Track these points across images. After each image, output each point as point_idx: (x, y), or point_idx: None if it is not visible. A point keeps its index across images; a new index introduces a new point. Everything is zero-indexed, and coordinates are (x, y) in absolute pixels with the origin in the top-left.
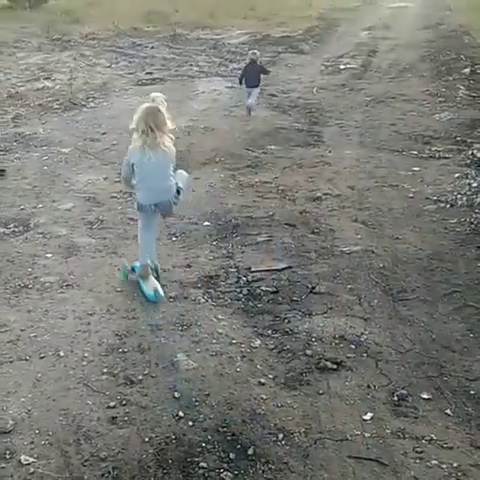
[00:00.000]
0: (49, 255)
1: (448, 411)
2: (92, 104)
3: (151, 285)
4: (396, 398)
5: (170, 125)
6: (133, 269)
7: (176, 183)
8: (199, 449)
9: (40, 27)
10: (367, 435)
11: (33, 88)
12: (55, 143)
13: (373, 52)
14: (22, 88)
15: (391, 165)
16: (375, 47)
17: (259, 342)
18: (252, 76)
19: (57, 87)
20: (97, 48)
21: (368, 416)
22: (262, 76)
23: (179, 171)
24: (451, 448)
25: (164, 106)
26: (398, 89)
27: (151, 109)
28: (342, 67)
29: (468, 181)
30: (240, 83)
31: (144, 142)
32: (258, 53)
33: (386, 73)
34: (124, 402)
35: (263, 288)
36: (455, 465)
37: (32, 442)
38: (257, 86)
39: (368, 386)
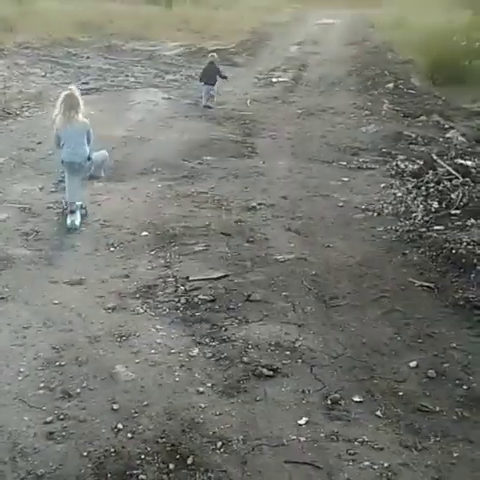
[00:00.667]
0: None
1: (378, 413)
2: (27, 113)
3: (73, 218)
4: (329, 402)
5: (83, 106)
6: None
7: (90, 152)
8: (138, 461)
9: None
10: (302, 439)
11: None
12: None
13: (303, 66)
14: None
15: (322, 175)
16: (305, 61)
17: (197, 351)
18: (209, 75)
19: None
20: (31, 57)
21: (303, 420)
22: (218, 78)
23: (102, 150)
24: (382, 449)
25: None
26: (327, 102)
27: (68, 94)
28: (274, 80)
29: (393, 191)
30: (200, 81)
31: (64, 117)
32: (216, 56)
33: (316, 87)
34: (61, 416)
35: (201, 297)
36: (386, 465)
37: None
38: (213, 85)
39: (303, 391)
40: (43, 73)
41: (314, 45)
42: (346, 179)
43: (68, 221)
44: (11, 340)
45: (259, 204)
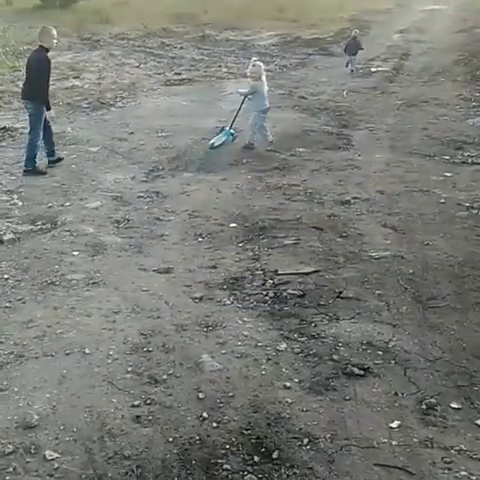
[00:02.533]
0: (76, 253)
1: (478, 422)
2: (120, 104)
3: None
4: (424, 407)
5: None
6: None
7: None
8: (223, 451)
9: (70, 26)
10: (394, 443)
11: (62, 87)
12: (83, 142)
13: (406, 55)
14: (52, 87)
15: (422, 170)
16: (408, 50)
17: (285, 345)
18: (352, 48)
19: (86, 86)
20: (126, 48)
21: (395, 424)
22: (359, 51)
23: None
24: None
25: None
26: (431, 93)
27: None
28: (373, 70)
29: None
30: (345, 51)
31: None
32: (358, 31)
33: (419, 76)
34: (148, 401)
35: (289, 291)
36: None
37: (57, 438)
38: (355, 55)
39: (396, 393)
40: (137, 64)
41: (418, 33)
42: (449, 174)
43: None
44: (101, 324)
45: (353, 198)
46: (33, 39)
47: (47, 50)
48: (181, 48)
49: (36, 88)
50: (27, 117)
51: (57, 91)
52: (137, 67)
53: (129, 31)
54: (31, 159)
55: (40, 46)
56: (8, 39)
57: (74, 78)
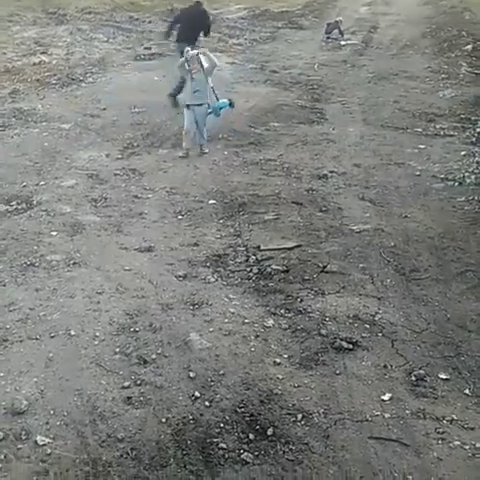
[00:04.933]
0: (54, 233)
1: (467, 391)
2: (90, 79)
3: None
4: (414, 378)
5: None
6: None
7: None
8: (218, 430)
9: (35, 1)
10: (387, 416)
11: (30, 63)
12: (55, 119)
13: (374, 28)
14: (18, 63)
15: (396, 143)
16: (375, 23)
17: (272, 321)
18: (331, 29)
19: (54, 62)
20: (94, 22)
21: (387, 396)
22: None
23: None
24: (472, 429)
25: None
26: (400, 66)
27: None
28: (343, 43)
29: (476, 159)
30: (325, 32)
31: None
32: (342, 19)
33: (387, 49)
34: (138, 382)
35: (273, 267)
36: (478, 445)
37: (47, 422)
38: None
39: (385, 366)
40: (106, 38)
41: (385, 5)
42: (422, 147)
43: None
44: (85, 305)
45: (330, 172)
46: None
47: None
48: (149, 22)
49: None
50: None
51: (25, 67)
52: (106, 42)
53: (96, 5)
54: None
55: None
56: None
57: (41, 53)
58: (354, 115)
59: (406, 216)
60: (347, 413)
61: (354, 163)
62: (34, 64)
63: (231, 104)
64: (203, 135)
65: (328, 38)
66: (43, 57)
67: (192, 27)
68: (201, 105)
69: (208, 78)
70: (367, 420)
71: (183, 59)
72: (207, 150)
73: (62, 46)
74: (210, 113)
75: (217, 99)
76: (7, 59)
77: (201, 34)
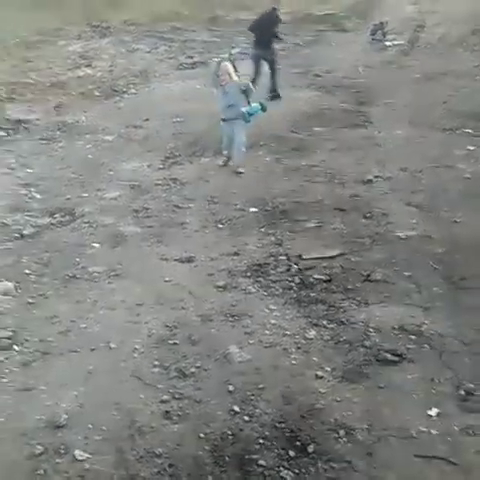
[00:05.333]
0: (96, 244)
1: None
2: (133, 90)
3: None
4: (462, 392)
5: None
6: None
7: None
8: (257, 446)
9: (80, 15)
10: (434, 432)
11: (74, 76)
12: (98, 131)
13: (420, 27)
14: (64, 76)
15: (444, 144)
16: (422, 22)
17: (314, 333)
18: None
19: (98, 74)
20: (136, 34)
21: (434, 412)
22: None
23: None
24: None
25: None
26: (448, 65)
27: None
28: (388, 44)
29: None
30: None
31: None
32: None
33: (435, 48)
34: (177, 396)
35: (315, 276)
36: None
37: (86, 437)
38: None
39: (432, 379)
40: (148, 49)
41: (432, 3)
42: (472, 148)
43: None
44: (125, 317)
45: (375, 177)
46: (45, 29)
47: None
48: (192, 31)
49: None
50: None
51: (69, 80)
52: (148, 53)
53: (139, 16)
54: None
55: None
56: (19, 30)
57: (86, 67)
58: (400, 117)
59: (455, 221)
60: (392, 429)
61: (400, 167)
62: (78, 77)
63: (263, 108)
64: (241, 149)
65: (373, 40)
66: (87, 70)
67: (265, 33)
68: (237, 119)
69: (244, 87)
70: (413, 437)
71: (214, 71)
72: (243, 171)
73: (106, 59)
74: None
75: (249, 104)
76: (53, 73)
77: (273, 39)
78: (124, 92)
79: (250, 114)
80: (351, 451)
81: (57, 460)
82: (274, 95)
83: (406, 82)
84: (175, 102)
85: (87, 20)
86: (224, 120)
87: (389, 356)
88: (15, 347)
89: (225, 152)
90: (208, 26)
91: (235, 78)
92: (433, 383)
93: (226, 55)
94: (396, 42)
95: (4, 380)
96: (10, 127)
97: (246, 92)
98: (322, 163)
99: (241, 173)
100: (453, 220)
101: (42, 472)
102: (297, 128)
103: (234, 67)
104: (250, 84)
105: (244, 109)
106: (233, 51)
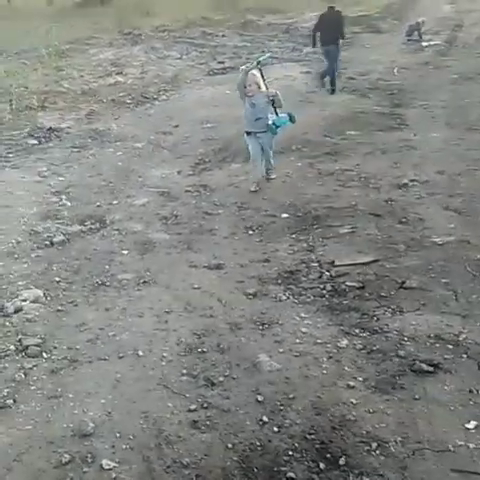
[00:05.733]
0: (125, 252)
1: None
2: (164, 97)
3: None
4: None
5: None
6: None
7: None
8: (286, 457)
9: (111, 23)
10: (472, 446)
11: (106, 84)
12: (128, 138)
13: (458, 26)
14: (95, 84)
15: None
16: (460, 21)
17: (346, 342)
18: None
19: (129, 81)
20: (167, 40)
21: (472, 425)
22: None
23: None
24: None
25: None
26: None
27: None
28: (425, 44)
29: None
30: (406, 35)
31: None
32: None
33: (473, 48)
34: (205, 405)
35: (348, 283)
36: None
37: (113, 446)
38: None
39: (470, 391)
40: (179, 55)
41: (470, 2)
42: None
43: None
44: (154, 325)
45: (411, 181)
46: (76, 37)
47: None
48: (223, 36)
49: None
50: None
51: (100, 88)
52: (179, 59)
53: (170, 23)
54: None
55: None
56: (51, 39)
57: (117, 74)
58: (437, 119)
59: None
60: (427, 442)
61: (437, 170)
62: (110, 85)
63: (291, 118)
64: (270, 161)
65: (409, 40)
66: (118, 77)
67: (332, 30)
68: (265, 132)
69: (272, 97)
70: (449, 451)
71: (240, 80)
72: (274, 176)
73: (137, 66)
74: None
75: (276, 114)
76: (84, 81)
77: (340, 36)
78: (155, 99)
79: (277, 126)
80: (384, 464)
81: (84, 469)
82: (333, 89)
83: (443, 83)
84: (205, 107)
85: (118, 28)
86: (249, 133)
87: (424, 366)
88: (44, 354)
89: (252, 177)
90: (239, 31)
91: (263, 88)
92: (471, 394)
93: (254, 63)
94: (433, 42)
95: (32, 387)
96: (42, 135)
97: (274, 102)
98: (356, 167)
99: (272, 179)
100: None
101: None
102: (330, 132)
103: (262, 75)
104: (278, 94)
105: (271, 120)
106: (262, 58)
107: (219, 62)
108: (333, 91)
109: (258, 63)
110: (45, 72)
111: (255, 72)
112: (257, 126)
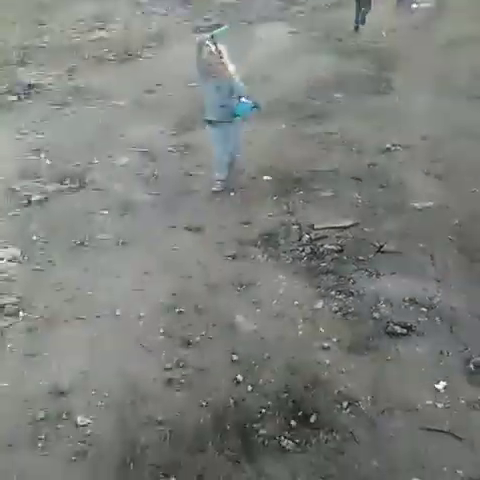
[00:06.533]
0: (105, 212)
1: None
2: (148, 54)
3: None
4: (472, 366)
5: None
6: None
7: None
8: (258, 415)
9: None
10: (440, 405)
11: (88, 39)
12: (111, 96)
13: None
14: (77, 40)
15: (469, 113)
16: None
17: (322, 304)
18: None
19: (112, 37)
20: None
21: (441, 385)
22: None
23: None
24: None
25: None
26: (479, 30)
27: None
28: (414, 6)
29: None
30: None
31: None
32: None
33: (464, 12)
34: (181, 364)
35: (327, 246)
36: None
37: (88, 403)
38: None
39: (441, 352)
40: (164, 11)
41: None
42: None
43: None
44: (132, 285)
45: (394, 145)
46: None
47: None
48: None
49: None
50: None
51: (83, 43)
52: (165, 15)
53: None
54: None
55: None
56: None
57: (99, 29)
58: (424, 84)
59: (475, 191)
60: (397, 402)
61: (421, 135)
62: (92, 40)
63: (256, 106)
64: (237, 158)
65: (399, 1)
66: (101, 33)
67: None
68: (232, 123)
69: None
70: (418, 410)
71: (198, 55)
72: (233, 188)
73: (121, 21)
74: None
75: (238, 100)
76: (66, 36)
77: None
78: (139, 56)
79: (235, 115)
80: (354, 422)
81: (59, 425)
82: (355, 27)
83: (432, 47)
84: (190, 66)
85: None
86: (210, 123)
87: (398, 328)
88: (21, 313)
89: (217, 174)
90: None
91: (231, 68)
92: (442, 356)
93: (214, 32)
94: (423, 4)
95: (9, 345)
96: (22, 91)
97: (238, 92)
98: (340, 131)
99: (232, 190)
100: (472, 190)
101: (43, 437)
102: (315, 94)
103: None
104: (243, 86)
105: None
106: (218, 31)
107: (206, 19)
108: (356, 28)
109: (212, 37)
110: (25, 26)
111: (221, 47)
112: (222, 115)
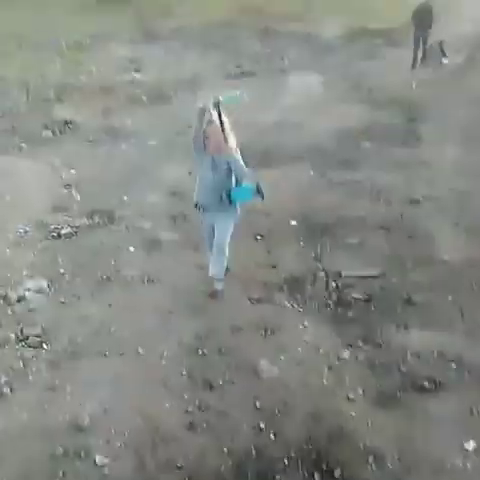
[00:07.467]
0: (132, 248)
1: None
2: (180, 97)
3: None
4: None
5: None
6: None
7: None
8: (281, 465)
9: (132, 19)
10: (469, 466)
11: (123, 80)
12: (143, 136)
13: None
14: (112, 81)
15: None
16: None
17: (348, 353)
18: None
19: (146, 80)
20: (187, 40)
21: (470, 445)
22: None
23: None
24: None
25: None
26: None
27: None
28: (445, 61)
29: None
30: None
31: None
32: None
33: None
34: (202, 408)
35: (354, 295)
36: None
37: (107, 442)
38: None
39: (471, 411)
40: (197, 56)
41: None
42: None
43: None
44: (156, 323)
45: (423, 197)
46: (96, 32)
47: None
48: (243, 39)
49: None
50: None
51: (117, 84)
52: (198, 60)
53: (190, 23)
54: None
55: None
56: (71, 33)
57: (135, 71)
58: (452, 136)
59: None
60: (424, 460)
61: (449, 187)
62: (127, 82)
63: (259, 191)
64: (221, 260)
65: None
66: (136, 75)
67: (423, 22)
68: (225, 212)
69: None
70: (446, 469)
71: (197, 123)
72: (220, 287)
73: (155, 65)
74: None
75: (237, 184)
76: (102, 77)
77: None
78: (171, 98)
79: (233, 201)
80: (379, 479)
81: (77, 463)
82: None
83: (461, 100)
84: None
85: (139, 25)
86: (199, 208)
87: (426, 383)
88: (44, 345)
89: (211, 270)
90: (259, 36)
91: (233, 144)
92: (472, 414)
93: (218, 99)
94: (453, 60)
95: (31, 377)
96: (57, 128)
97: (236, 171)
98: (369, 180)
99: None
100: None
101: (60, 474)
102: (344, 143)
103: (221, 120)
104: (239, 158)
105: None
106: (227, 96)
107: (237, 66)
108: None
109: (217, 103)
110: (64, 65)
111: (223, 117)
112: (214, 200)
